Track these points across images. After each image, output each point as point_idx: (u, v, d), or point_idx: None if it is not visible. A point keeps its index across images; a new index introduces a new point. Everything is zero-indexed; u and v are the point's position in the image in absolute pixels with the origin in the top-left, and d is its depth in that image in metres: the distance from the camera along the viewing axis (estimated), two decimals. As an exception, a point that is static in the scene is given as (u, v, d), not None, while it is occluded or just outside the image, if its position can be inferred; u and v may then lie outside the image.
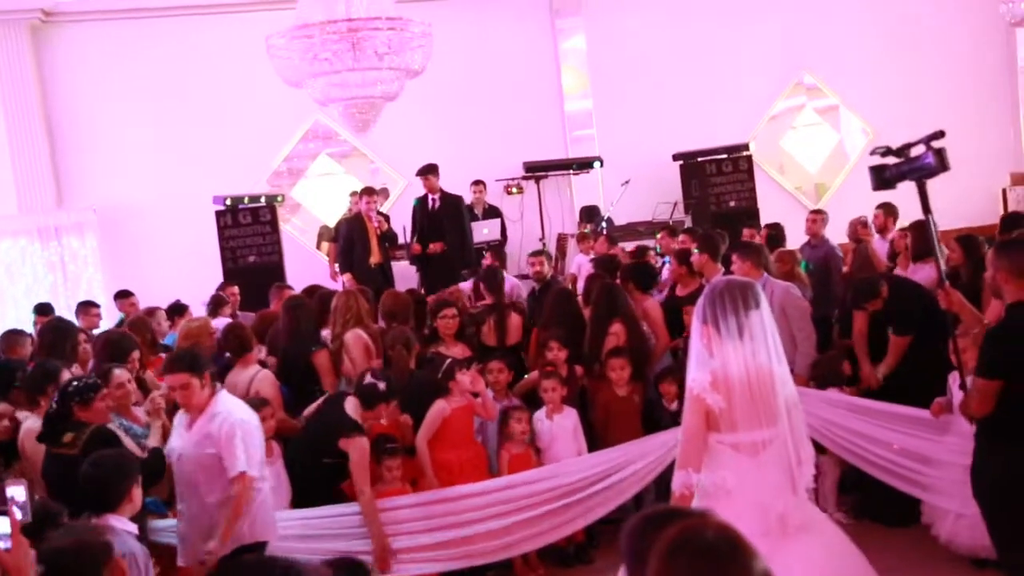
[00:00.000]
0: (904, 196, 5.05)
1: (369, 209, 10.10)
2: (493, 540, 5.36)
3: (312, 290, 7.98)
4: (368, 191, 10.33)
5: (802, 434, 3.58)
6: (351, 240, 10.03)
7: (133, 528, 3.79)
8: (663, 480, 5.80)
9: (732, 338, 3.44)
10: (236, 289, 9.06)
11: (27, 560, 2.61)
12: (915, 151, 4.41)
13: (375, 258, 10.04)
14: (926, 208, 4.51)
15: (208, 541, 4.38)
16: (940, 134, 4.31)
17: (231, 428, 4.46)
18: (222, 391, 4.72)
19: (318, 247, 12.20)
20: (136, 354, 5.70)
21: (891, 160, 4.49)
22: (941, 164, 4.26)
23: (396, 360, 5.96)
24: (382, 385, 5.27)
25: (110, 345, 5.74)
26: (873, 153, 4.61)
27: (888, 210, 8.90)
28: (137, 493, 3.87)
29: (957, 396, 5.03)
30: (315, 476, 5.24)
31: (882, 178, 4.49)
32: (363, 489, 5.08)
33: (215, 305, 8.24)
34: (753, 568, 1.84)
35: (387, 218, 10.51)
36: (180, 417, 4.76)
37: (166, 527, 4.79)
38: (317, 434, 5.36)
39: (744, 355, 3.45)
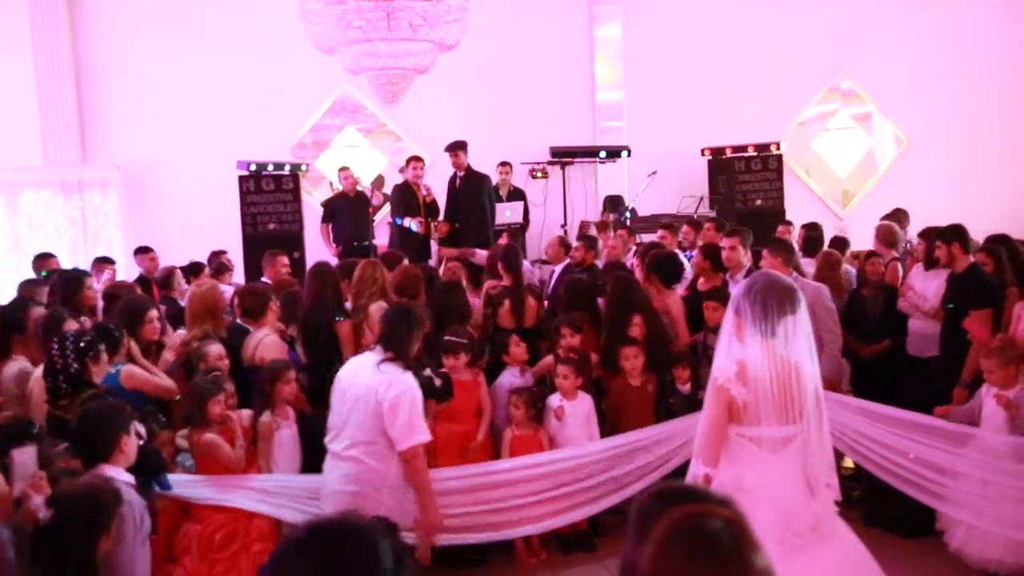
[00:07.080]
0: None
1: (416, 177, 10.06)
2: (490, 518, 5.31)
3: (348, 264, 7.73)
4: (416, 159, 10.31)
5: (824, 435, 3.48)
6: (406, 205, 9.98)
7: (129, 478, 3.73)
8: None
9: (765, 335, 3.37)
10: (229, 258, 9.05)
11: None
12: None
13: (421, 229, 10.00)
14: None
15: None
16: None
17: None
18: None
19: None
20: (153, 313, 5.65)
21: None
22: None
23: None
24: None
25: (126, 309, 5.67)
26: None
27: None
28: (128, 443, 3.78)
29: (990, 409, 4.95)
30: None
31: None
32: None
33: (216, 271, 8.35)
34: (754, 566, 1.69)
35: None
36: None
37: (184, 481, 4.75)
38: None
39: (774, 349, 3.36)
